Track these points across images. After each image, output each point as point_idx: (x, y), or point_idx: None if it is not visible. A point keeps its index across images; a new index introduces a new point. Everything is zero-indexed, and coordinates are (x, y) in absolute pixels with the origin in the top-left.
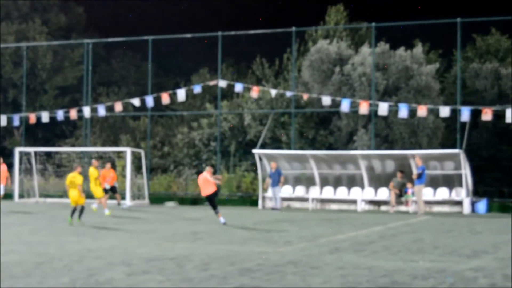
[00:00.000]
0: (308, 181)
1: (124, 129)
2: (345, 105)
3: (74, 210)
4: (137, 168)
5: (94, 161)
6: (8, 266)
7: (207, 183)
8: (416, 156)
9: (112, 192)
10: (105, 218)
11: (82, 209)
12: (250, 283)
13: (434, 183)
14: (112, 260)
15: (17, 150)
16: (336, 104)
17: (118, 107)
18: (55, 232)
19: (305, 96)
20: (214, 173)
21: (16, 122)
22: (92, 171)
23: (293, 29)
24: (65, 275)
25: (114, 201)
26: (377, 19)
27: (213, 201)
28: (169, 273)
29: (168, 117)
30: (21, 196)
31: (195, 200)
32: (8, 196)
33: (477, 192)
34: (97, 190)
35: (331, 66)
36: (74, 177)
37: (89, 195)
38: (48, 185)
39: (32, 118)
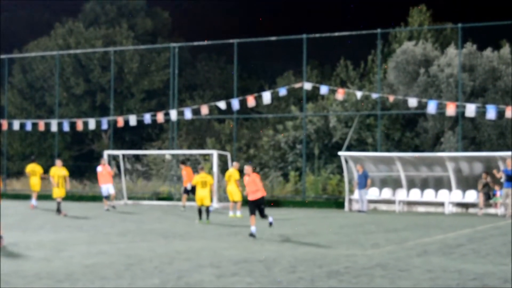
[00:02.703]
0: (395, 183)
1: (210, 132)
2: (431, 107)
3: (200, 211)
4: (223, 171)
5: (235, 163)
6: (98, 267)
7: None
8: (508, 159)
9: (192, 193)
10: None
11: (207, 210)
12: (338, 285)
13: None
14: (201, 262)
15: (106, 153)
16: (422, 106)
17: (204, 110)
18: (144, 234)
19: (391, 98)
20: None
21: (105, 126)
22: (233, 172)
23: (378, 30)
24: (155, 276)
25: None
26: (462, 19)
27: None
28: (258, 275)
29: (253, 120)
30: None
31: (281, 202)
32: (98, 198)
33: None
34: (234, 192)
35: (417, 68)
36: (203, 178)
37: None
38: (136, 187)
39: (120, 121)
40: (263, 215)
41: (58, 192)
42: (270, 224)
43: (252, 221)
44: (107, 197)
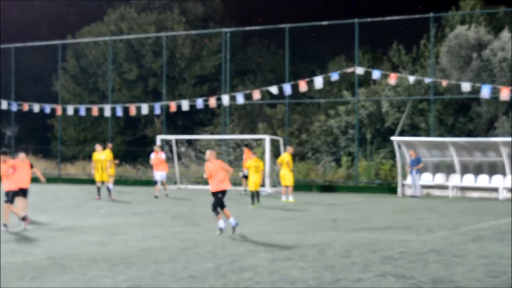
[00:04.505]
0: (448, 169)
1: (261, 117)
2: (485, 91)
3: (253, 195)
4: (275, 156)
5: (288, 148)
6: (153, 251)
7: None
8: None
9: (245, 179)
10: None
11: (258, 194)
12: (392, 271)
13: None
14: (254, 247)
15: (159, 138)
16: (475, 91)
17: (256, 95)
18: (197, 218)
19: (444, 83)
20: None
21: (157, 111)
22: (286, 156)
23: (431, 14)
24: (209, 260)
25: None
26: None
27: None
28: (311, 260)
29: (305, 105)
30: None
31: (333, 187)
32: (151, 182)
33: None
34: (287, 176)
35: (470, 52)
36: (256, 163)
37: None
38: (189, 172)
39: (173, 106)
40: (215, 209)
41: (98, 176)
42: (221, 230)
43: (227, 213)
44: (158, 183)
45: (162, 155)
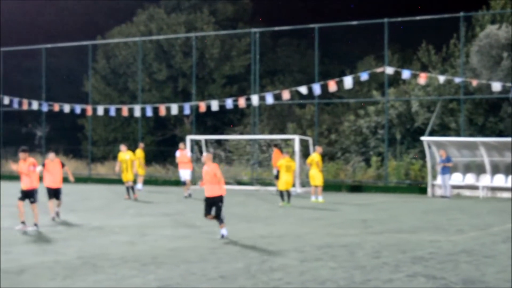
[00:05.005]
0: (478, 169)
1: (291, 117)
2: None
3: (282, 194)
4: (304, 156)
5: (318, 147)
6: (182, 251)
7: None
8: None
9: (276, 178)
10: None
11: (289, 194)
12: (423, 271)
13: None
14: (284, 247)
15: (189, 138)
16: (506, 90)
17: (286, 95)
18: (227, 218)
19: (474, 82)
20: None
21: (187, 111)
22: (315, 156)
23: (461, 14)
24: (239, 260)
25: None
26: None
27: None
28: (341, 260)
29: (334, 105)
30: (193, 183)
31: (363, 187)
32: (180, 182)
33: None
34: (316, 176)
35: (500, 51)
36: (288, 162)
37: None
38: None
39: (202, 106)
40: (218, 217)
41: (124, 177)
42: (222, 236)
43: (211, 219)
44: (185, 183)
45: (188, 153)
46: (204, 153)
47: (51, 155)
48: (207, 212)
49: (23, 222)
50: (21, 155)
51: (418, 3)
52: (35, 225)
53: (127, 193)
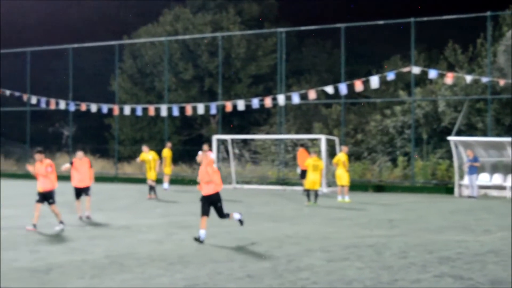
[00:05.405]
0: (506, 169)
1: (317, 117)
2: None
3: (308, 193)
4: (331, 156)
5: (344, 147)
6: (209, 250)
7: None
8: None
9: (302, 177)
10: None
11: (316, 194)
12: (450, 271)
13: None
14: (311, 246)
15: (215, 138)
16: None
17: (312, 94)
18: (253, 218)
19: (501, 82)
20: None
21: (213, 111)
22: (342, 156)
23: (488, 13)
24: (266, 260)
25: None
26: None
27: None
28: (368, 260)
29: (360, 105)
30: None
31: (389, 187)
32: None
33: None
34: (343, 176)
35: None
36: (315, 162)
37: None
38: (245, 172)
39: (229, 106)
40: (222, 215)
41: (148, 175)
42: (241, 222)
43: (203, 223)
44: None
45: (211, 155)
46: (200, 152)
47: (80, 154)
48: (204, 213)
49: (34, 225)
50: (37, 156)
51: (445, 2)
52: (61, 222)
53: (149, 192)
